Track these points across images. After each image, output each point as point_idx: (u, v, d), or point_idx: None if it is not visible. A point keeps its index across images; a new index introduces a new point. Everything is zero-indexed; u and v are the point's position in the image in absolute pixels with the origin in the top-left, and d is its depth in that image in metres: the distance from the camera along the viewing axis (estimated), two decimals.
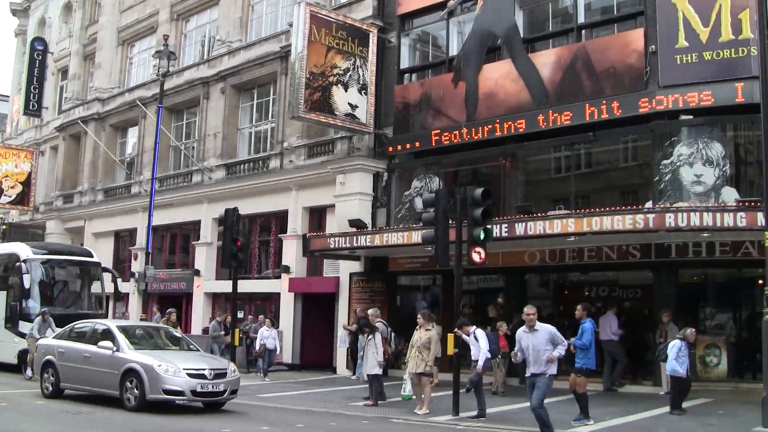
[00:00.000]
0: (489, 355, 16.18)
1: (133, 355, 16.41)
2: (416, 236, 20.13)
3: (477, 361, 15.97)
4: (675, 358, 15.51)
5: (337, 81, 25.22)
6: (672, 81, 19.51)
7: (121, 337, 16.98)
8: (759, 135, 14.78)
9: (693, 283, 21.08)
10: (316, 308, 27.16)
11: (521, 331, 13.12)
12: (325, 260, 26.95)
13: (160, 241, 35.04)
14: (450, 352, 16.51)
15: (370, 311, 20.70)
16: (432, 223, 17.08)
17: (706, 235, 18.17)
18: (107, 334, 17.31)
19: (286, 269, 27.73)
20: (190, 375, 15.88)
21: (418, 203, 23.96)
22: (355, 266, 25.81)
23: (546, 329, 12.82)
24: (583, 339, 14.90)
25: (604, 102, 20.31)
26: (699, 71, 19.27)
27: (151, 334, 18.99)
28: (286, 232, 28.50)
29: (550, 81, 21.76)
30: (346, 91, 25.34)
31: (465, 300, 22.09)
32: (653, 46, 19.93)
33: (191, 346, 18.36)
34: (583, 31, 22.13)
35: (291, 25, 26.16)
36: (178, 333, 20.09)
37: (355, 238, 22.80)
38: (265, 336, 24.37)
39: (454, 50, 24.79)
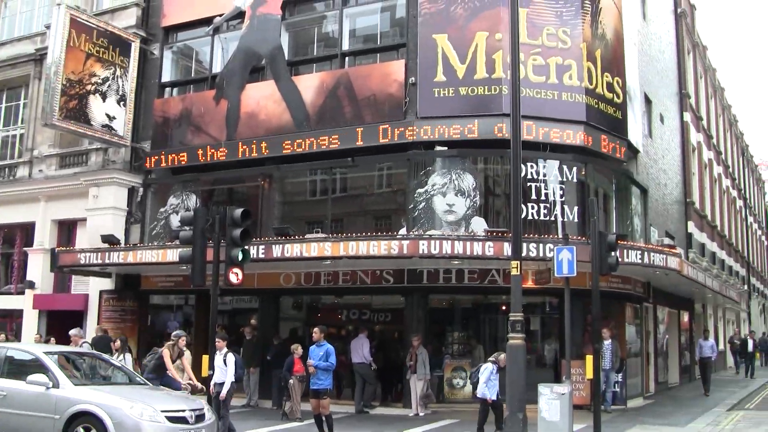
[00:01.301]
0: (233, 380, 15.59)
1: (84, 393, 12.22)
2: (172, 254, 19.80)
3: (220, 384, 15.01)
4: (486, 382, 15.40)
5: (95, 90, 24.40)
6: (429, 113, 20.51)
7: (56, 369, 12.67)
8: (507, 168, 15.78)
9: (442, 307, 22.07)
10: (63, 326, 25.80)
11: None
12: (74, 276, 25.79)
13: None
14: (204, 373, 16.26)
15: (72, 331, 19.60)
16: (189, 242, 16.82)
17: (456, 262, 19.19)
18: (35, 365, 12.85)
19: (31, 285, 26.26)
20: (170, 419, 12.03)
21: (175, 220, 23.65)
22: (106, 283, 24.93)
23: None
24: (330, 360, 15.08)
25: (364, 129, 21.00)
26: (455, 105, 20.42)
27: (92, 364, 14.71)
28: (32, 245, 26.97)
29: (312, 104, 22.18)
30: (104, 101, 24.55)
31: (218, 320, 21.91)
32: (413, 78, 20.88)
33: (139, 379, 14.50)
34: (346, 58, 22.75)
35: (48, 27, 24.98)
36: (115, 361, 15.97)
37: (107, 254, 22.01)
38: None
39: (217, 67, 24.67)
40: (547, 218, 20.26)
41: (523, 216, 17.04)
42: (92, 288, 25.29)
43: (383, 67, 21.83)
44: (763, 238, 69.69)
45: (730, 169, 49.97)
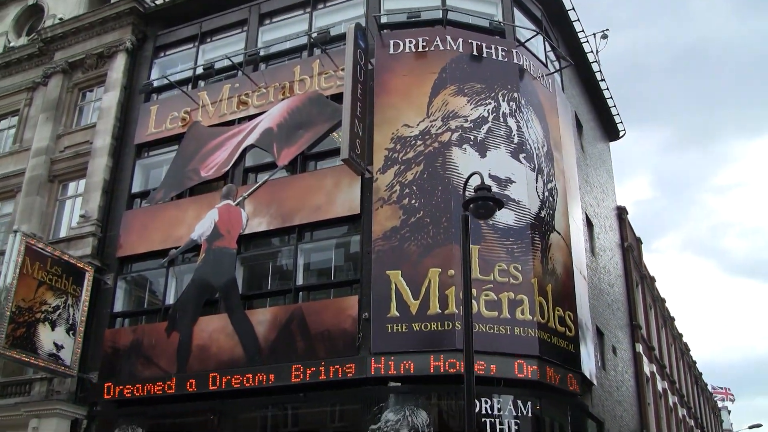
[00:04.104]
0: None
1: None
2: None
3: None
4: None
5: (44, 318, 24.01)
6: (382, 348, 20.39)
7: None
8: (461, 404, 15.56)
9: None
10: None
11: None
12: None
13: None
14: None
15: None
16: None
17: None
18: None
19: None
20: None
21: None
22: None
23: None
24: None
25: (316, 365, 20.76)
26: (408, 340, 20.36)
27: None
28: None
29: (264, 338, 21.99)
30: (53, 329, 24.13)
31: None
32: (366, 314, 20.92)
33: None
34: (300, 293, 22.85)
35: (2, 254, 24.98)
36: None
37: None
38: None
39: (171, 299, 24.57)
40: None
41: None
42: None
43: (337, 303, 21.93)
44: None
45: (685, 398, 49.97)
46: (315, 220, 23.05)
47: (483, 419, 19.68)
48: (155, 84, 28.81)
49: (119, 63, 29.70)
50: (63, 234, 28.10)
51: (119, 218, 26.79)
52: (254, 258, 24.34)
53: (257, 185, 24.38)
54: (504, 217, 21.73)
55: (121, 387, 23.56)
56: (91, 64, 30.70)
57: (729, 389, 78.53)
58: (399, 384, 20.32)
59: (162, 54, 30.05)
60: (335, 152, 22.92)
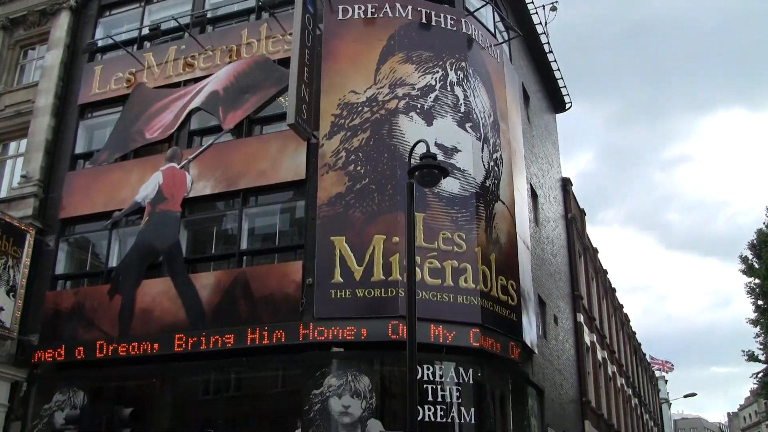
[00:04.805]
0: None
1: None
2: None
3: None
4: None
5: None
6: (326, 314, 20.47)
7: None
8: (404, 370, 15.73)
9: None
10: None
11: None
12: None
13: None
14: None
15: None
16: None
17: None
18: None
19: None
20: None
21: (59, 418, 22.57)
22: None
23: None
24: None
25: (260, 329, 20.77)
26: (351, 307, 20.47)
27: None
28: None
29: (208, 303, 21.94)
30: None
31: None
32: (310, 279, 20.95)
33: None
34: (244, 257, 22.80)
35: None
36: None
37: None
38: None
39: (113, 261, 24.37)
40: (444, 420, 20.08)
41: (419, 418, 16.96)
42: None
43: (281, 268, 21.93)
44: None
45: (624, 368, 50.98)
46: (260, 184, 22.95)
47: (425, 386, 19.95)
48: (99, 44, 28.32)
49: (62, 21, 29.06)
50: (3, 194, 27.61)
51: (62, 179, 26.37)
52: (198, 222, 24.19)
53: (202, 148, 24.17)
54: (449, 185, 21.89)
55: (62, 350, 23.37)
56: (33, 21, 30.05)
57: (667, 361, 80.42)
58: (342, 350, 20.46)
59: (107, 13, 29.49)
60: (281, 117, 22.81)
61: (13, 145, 29.08)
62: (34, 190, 26.32)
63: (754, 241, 39.55)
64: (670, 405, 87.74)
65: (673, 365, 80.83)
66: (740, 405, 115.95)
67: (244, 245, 22.90)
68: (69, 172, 26.47)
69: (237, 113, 24.08)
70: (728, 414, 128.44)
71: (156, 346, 21.88)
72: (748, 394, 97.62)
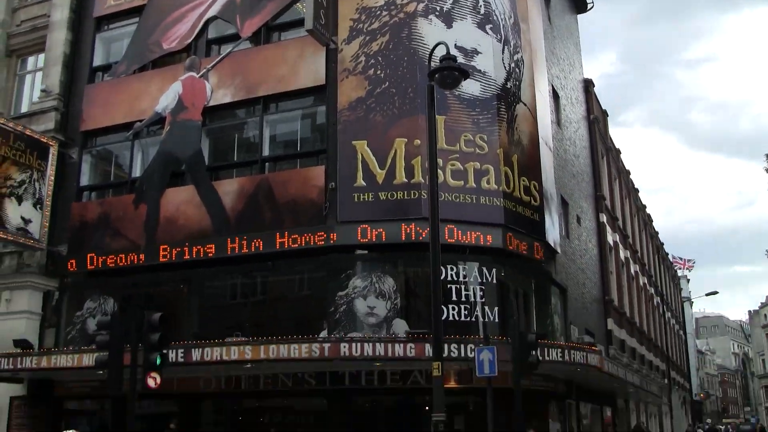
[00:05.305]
0: None
1: None
2: (88, 359, 19.45)
3: None
4: None
5: (10, 193, 24.05)
6: (349, 217, 20.68)
7: None
8: (428, 271, 15.96)
9: (365, 409, 21.85)
10: None
11: None
12: None
13: None
14: None
15: None
16: (106, 347, 16.55)
17: (378, 364, 19.11)
18: None
19: None
20: None
21: (91, 325, 23.17)
22: (17, 389, 23.95)
23: None
24: None
25: (284, 234, 21.03)
26: (374, 209, 20.66)
27: None
28: None
29: (232, 209, 22.18)
30: (19, 204, 24.20)
31: (137, 426, 21.30)
32: (333, 183, 21.09)
33: None
34: (267, 164, 22.91)
35: None
36: None
37: (19, 359, 21.37)
38: None
39: (137, 172, 24.61)
40: (468, 319, 20.42)
41: (443, 317, 17.25)
42: (1, 394, 24.26)
43: (303, 173, 22.07)
44: (681, 332, 71.08)
45: (647, 267, 51.23)
46: (280, 91, 22.95)
47: (449, 285, 20.22)
48: None
49: None
50: (24, 110, 27.74)
51: (81, 92, 26.44)
52: (220, 130, 24.27)
53: (221, 57, 24.07)
54: (470, 87, 21.72)
55: (91, 259, 23.79)
56: None
57: (689, 260, 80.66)
58: (366, 252, 20.70)
59: None
60: (299, 23, 22.53)
61: (31, 60, 29.04)
62: (55, 104, 26.39)
63: None
64: (692, 303, 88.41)
65: (694, 263, 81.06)
66: (761, 303, 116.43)
67: (266, 152, 23.00)
68: (88, 85, 26.51)
69: (254, 20, 23.85)
70: (749, 312, 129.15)
71: (183, 253, 22.21)
72: None
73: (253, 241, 21.33)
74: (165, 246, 22.59)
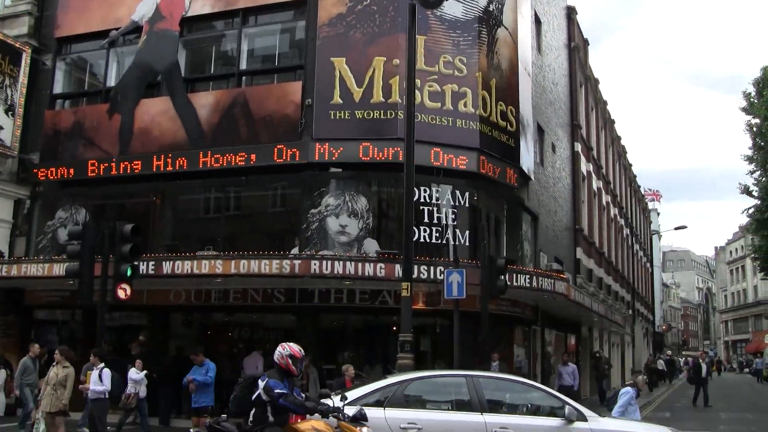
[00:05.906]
0: (104, 396, 15.17)
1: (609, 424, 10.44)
2: (58, 269, 19.38)
3: (93, 400, 14.98)
4: (624, 406, 13.73)
5: None
6: (325, 134, 20.59)
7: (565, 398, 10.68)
8: (401, 192, 16.02)
9: (333, 328, 22.11)
10: None
11: None
12: None
13: None
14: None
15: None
16: (77, 256, 16.55)
17: (348, 282, 19.27)
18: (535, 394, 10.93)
19: None
20: None
21: (62, 234, 23.06)
22: None
23: None
24: (210, 374, 15.46)
25: (259, 149, 20.94)
26: (350, 128, 20.58)
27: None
28: None
29: (207, 122, 22.00)
30: None
31: (106, 336, 21.41)
32: (309, 100, 20.94)
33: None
34: (244, 78, 22.69)
35: None
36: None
37: None
38: (136, 379, 17.62)
39: (112, 81, 24.24)
40: (439, 241, 20.59)
41: (415, 239, 17.35)
42: None
43: (280, 88, 21.89)
44: (648, 264, 72.13)
45: (618, 198, 51.66)
46: (259, 3, 22.57)
47: (421, 207, 20.30)
48: None
49: None
50: None
51: None
52: (197, 42, 23.91)
53: None
54: (451, 8, 21.50)
55: (63, 168, 23.59)
56: None
57: (658, 191, 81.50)
58: (340, 170, 20.69)
59: None
60: None
61: None
62: (29, 8, 25.82)
63: (759, 79, 38.64)
64: (660, 237, 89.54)
65: (661, 195, 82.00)
66: (728, 240, 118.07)
67: (243, 65, 22.74)
68: None
69: None
70: (716, 248, 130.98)
71: (156, 164, 22.03)
72: (737, 230, 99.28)
73: (227, 155, 21.19)
74: (138, 157, 22.38)
